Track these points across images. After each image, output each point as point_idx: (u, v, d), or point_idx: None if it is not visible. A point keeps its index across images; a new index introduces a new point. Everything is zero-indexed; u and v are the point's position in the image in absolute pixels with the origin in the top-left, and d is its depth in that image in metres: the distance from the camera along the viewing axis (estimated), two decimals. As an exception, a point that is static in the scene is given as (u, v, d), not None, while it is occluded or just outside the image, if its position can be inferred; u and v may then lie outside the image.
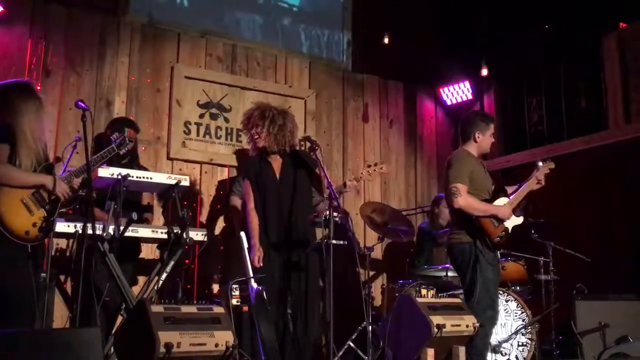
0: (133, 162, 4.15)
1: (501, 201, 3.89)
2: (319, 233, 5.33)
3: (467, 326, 3.43)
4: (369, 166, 4.30)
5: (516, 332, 4.56)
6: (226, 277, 4.58)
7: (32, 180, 3.18)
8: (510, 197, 3.93)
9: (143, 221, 4.04)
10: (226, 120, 5.24)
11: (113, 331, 3.68)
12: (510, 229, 3.85)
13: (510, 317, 4.64)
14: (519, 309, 4.63)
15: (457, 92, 6.43)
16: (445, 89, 6.47)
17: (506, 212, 3.81)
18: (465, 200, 3.74)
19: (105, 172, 3.51)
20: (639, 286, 4.55)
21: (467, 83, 6.34)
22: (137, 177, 3.62)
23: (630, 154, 5.13)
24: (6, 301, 3.03)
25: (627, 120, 5.23)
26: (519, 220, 3.93)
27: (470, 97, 6.39)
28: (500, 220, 3.80)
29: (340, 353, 4.51)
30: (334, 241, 3.45)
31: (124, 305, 3.65)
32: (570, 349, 4.46)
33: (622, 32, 5.38)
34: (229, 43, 5.39)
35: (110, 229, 3.50)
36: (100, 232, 3.41)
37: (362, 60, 6.07)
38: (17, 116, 3.21)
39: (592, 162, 5.37)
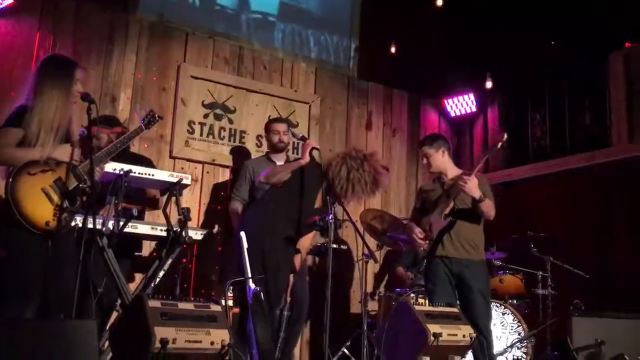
0: (122, 156, 4.05)
1: (437, 212, 3.99)
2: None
3: (464, 336, 3.41)
4: None
5: (512, 346, 4.55)
6: (224, 278, 4.56)
7: (37, 155, 2.99)
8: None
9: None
10: (230, 121, 5.24)
11: (107, 327, 3.66)
12: (434, 234, 3.93)
13: (506, 331, 4.63)
14: (516, 322, 4.62)
15: (462, 104, 6.45)
16: (450, 100, 6.49)
17: (407, 229, 4.04)
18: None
19: (107, 167, 3.50)
20: (636, 304, 4.52)
21: (471, 95, 6.36)
22: (138, 173, 3.61)
23: (633, 173, 5.13)
24: (7, 283, 2.98)
25: (631, 139, 5.23)
26: (444, 222, 3.92)
27: (474, 109, 6.41)
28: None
29: (335, 358, 4.50)
30: (334, 245, 3.44)
31: (119, 301, 3.63)
32: (566, 365, 4.45)
33: (628, 51, 5.39)
34: (236, 45, 5.41)
35: (110, 224, 3.50)
36: (100, 227, 3.41)
37: (368, 67, 6.09)
38: (36, 95, 3.06)
39: (594, 179, 5.37)
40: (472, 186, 3.75)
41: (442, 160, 4.10)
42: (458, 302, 3.86)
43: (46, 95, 3.07)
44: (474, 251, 3.93)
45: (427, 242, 3.94)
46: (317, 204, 4.02)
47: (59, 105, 3.09)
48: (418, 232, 3.94)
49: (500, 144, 3.83)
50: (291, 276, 3.88)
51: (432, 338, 3.23)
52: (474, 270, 3.89)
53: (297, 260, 3.90)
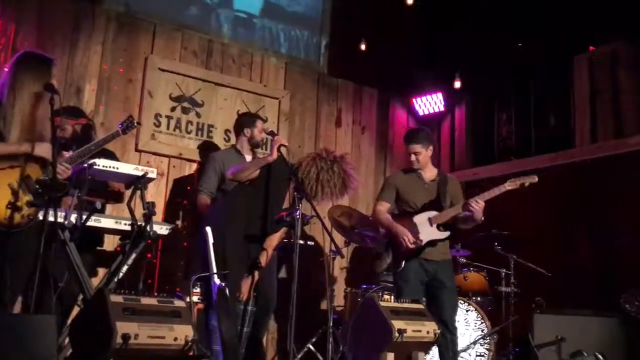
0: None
1: (425, 215, 4.03)
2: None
3: (428, 332, 3.43)
4: None
5: (475, 342, 4.61)
6: (189, 274, 4.51)
7: (5, 150, 2.98)
8: (441, 213, 4.03)
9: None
10: (198, 115, 5.18)
11: (68, 322, 3.58)
12: (425, 241, 3.97)
13: (469, 327, 4.69)
14: (479, 319, 4.68)
15: (430, 103, 6.50)
16: (418, 99, 6.53)
17: (400, 232, 3.94)
18: (373, 214, 4.24)
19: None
20: (597, 302, 4.64)
21: (439, 95, 6.42)
22: (103, 166, 3.54)
23: (595, 173, 5.25)
24: None
25: (594, 139, 5.36)
26: (440, 235, 4.02)
27: (442, 108, 6.47)
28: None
29: (300, 355, 4.50)
30: (301, 241, 3.44)
31: (80, 296, 3.56)
32: (527, 361, 4.53)
33: (592, 54, 5.51)
34: (205, 38, 5.34)
35: (73, 218, 3.43)
36: (62, 220, 3.33)
37: (338, 64, 6.08)
38: (13, 91, 3.05)
39: (557, 179, 5.47)
40: (481, 210, 3.93)
41: (428, 158, 4.16)
42: (425, 299, 3.93)
43: (25, 90, 3.06)
44: (445, 255, 4.11)
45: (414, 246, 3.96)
46: (286, 203, 4.02)
47: (37, 101, 3.07)
48: (411, 239, 3.93)
49: (528, 184, 3.95)
50: (256, 272, 3.86)
51: (397, 334, 3.25)
52: (446, 269, 4.06)
53: (264, 257, 3.89)
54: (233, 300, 3.49)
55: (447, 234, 4.04)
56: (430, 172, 4.20)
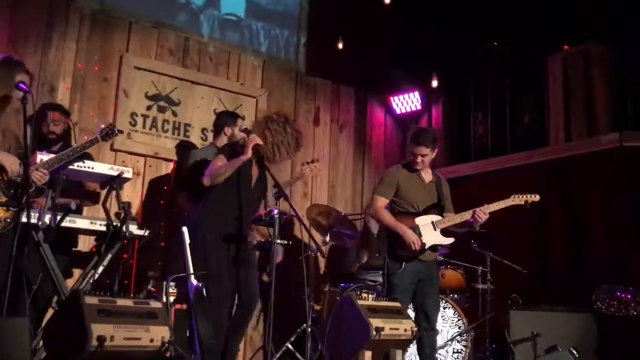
0: (65, 149, 3.98)
1: (427, 218, 4.04)
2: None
3: (405, 330, 3.46)
4: (308, 163, 4.68)
5: (452, 339, 4.65)
6: (166, 274, 4.47)
7: None
8: (446, 218, 4.06)
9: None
10: (174, 114, 5.14)
11: (43, 325, 3.53)
12: (428, 244, 4.00)
13: (447, 324, 4.73)
14: (456, 316, 4.72)
15: (407, 102, 6.54)
16: (396, 97, 6.57)
17: (409, 236, 3.91)
18: (374, 210, 4.09)
19: (45, 159, 3.38)
20: (571, 298, 4.71)
21: (417, 93, 6.46)
22: (77, 166, 3.49)
23: (569, 171, 5.32)
24: None
25: (568, 138, 5.44)
26: (445, 240, 4.07)
27: (419, 107, 6.51)
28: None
29: (278, 354, 4.49)
30: (279, 241, 3.43)
31: (55, 298, 3.51)
32: (503, 357, 4.57)
33: (566, 53, 5.59)
34: (182, 36, 5.30)
35: (47, 218, 3.38)
36: (36, 221, 3.28)
37: (316, 63, 6.08)
38: None
39: (532, 177, 5.54)
40: (484, 220, 4.02)
41: (430, 160, 4.17)
42: (415, 296, 4.00)
43: None
44: (435, 254, 4.16)
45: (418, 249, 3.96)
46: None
47: (6, 104, 3.04)
48: (419, 244, 3.92)
49: (531, 203, 4.11)
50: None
51: (375, 332, 3.26)
52: (435, 267, 4.16)
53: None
54: (217, 301, 3.46)
55: (451, 240, 4.08)
56: (427, 173, 4.21)
